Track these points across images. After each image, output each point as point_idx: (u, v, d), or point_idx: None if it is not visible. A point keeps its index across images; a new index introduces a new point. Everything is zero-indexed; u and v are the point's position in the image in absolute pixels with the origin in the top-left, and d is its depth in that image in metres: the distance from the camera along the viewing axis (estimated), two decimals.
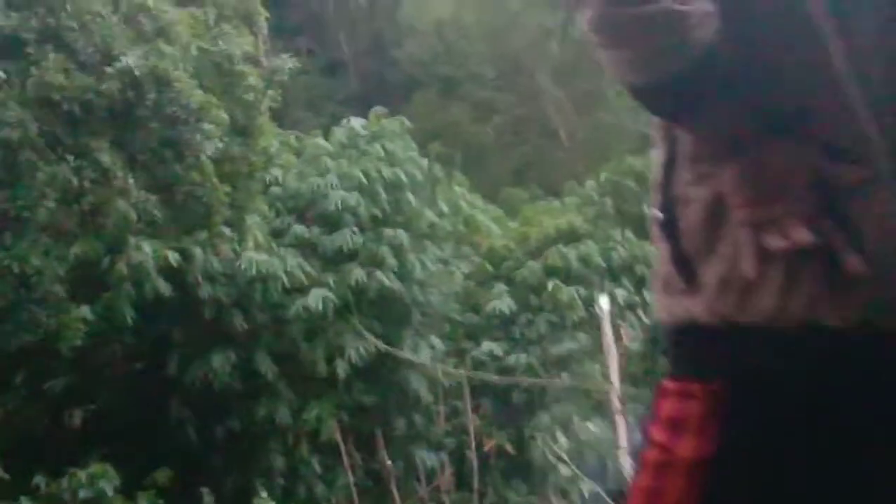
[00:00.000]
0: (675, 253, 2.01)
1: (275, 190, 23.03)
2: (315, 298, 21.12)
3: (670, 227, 2.02)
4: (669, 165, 2.04)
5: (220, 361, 20.40)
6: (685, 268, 1.98)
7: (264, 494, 12.65)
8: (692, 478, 1.95)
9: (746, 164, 1.88)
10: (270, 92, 21.90)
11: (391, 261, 22.43)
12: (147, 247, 18.45)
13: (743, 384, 1.89)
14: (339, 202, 22.22)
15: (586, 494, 25.41)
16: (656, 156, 2.10)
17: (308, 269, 21.49)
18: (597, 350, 26.05)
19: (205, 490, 12.63)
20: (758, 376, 1.88)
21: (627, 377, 25.98)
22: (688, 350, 2.02)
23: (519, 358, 23.67)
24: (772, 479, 1.83)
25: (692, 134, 1.98)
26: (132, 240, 18.21)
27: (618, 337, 26.70)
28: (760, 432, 1.86)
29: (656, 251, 2.09)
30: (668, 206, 2.03)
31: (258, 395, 21.32)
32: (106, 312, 17.96)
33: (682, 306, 2.00)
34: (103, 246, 18.39)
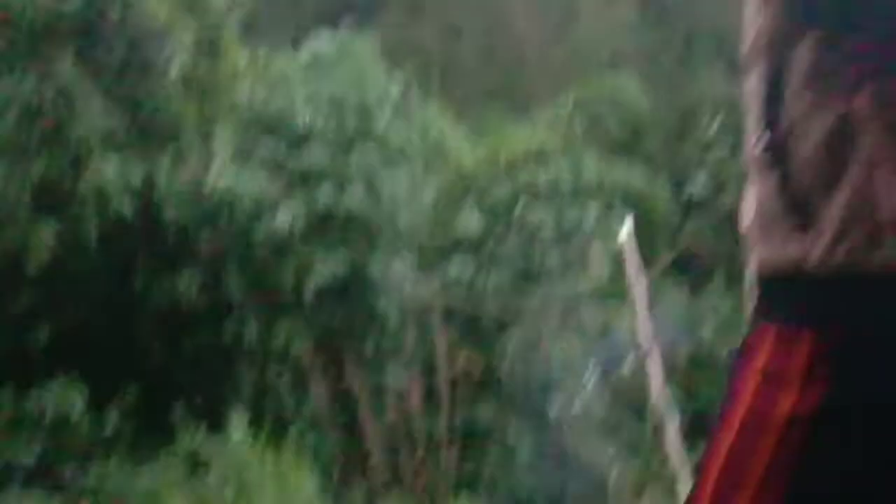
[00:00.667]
0: (784, 189, 1.79)
1: (241, 108, 22.70)
2: (283, 218, 20.94)
3: (779, 159, 1.81)
4: (777, 86, 1.79)
5: (187, 282, 20.25)
6: (798, 206, 1.77)
7: (237, 413, 12.59)
8: (789, 437, 1.77)
9: (890, 84, 1.67)
10: (237, 8, 21.51)
11: (360, 181, 22.24)
12: (111, 166, 18.18)
13: (861, 337, 1.71)
14: (307, 121, 21.95)
15: (554, 414, 25.60)
16: (754, 77, 1.86)
17: (275, 188, 21.28)
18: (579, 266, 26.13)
19: (176, 406, 12.56)
20: (879, 329, 1.70)
21: (595, 295, 26.07)
22: (795, 298, 1.81)
23: (488, 278, 23.60)
24: (881, 441, 1.69)
25: (830, 42, 1.72)
26: (96, 157, 17.93)
27: (587, 258, 26.78)
28: (875, 390, 1.69)
29: (755, 186, 1.88)
30: (775, 133, 1.80)
31: (226, 316, 21.23)
32: (70, 231, 17.74)
33: (791, 250, 1.76)
34: (66, 164, 18.12)
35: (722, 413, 1.80)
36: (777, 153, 1.75)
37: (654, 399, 3.76)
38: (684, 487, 3.67)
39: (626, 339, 18.86)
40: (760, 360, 1.74)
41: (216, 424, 12.94)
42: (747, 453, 1.74)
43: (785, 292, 1.78)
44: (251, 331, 21.15)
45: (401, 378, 23.98)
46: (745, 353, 1.80)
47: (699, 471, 1.80)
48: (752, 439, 1.74)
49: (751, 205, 1.84)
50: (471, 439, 24.87)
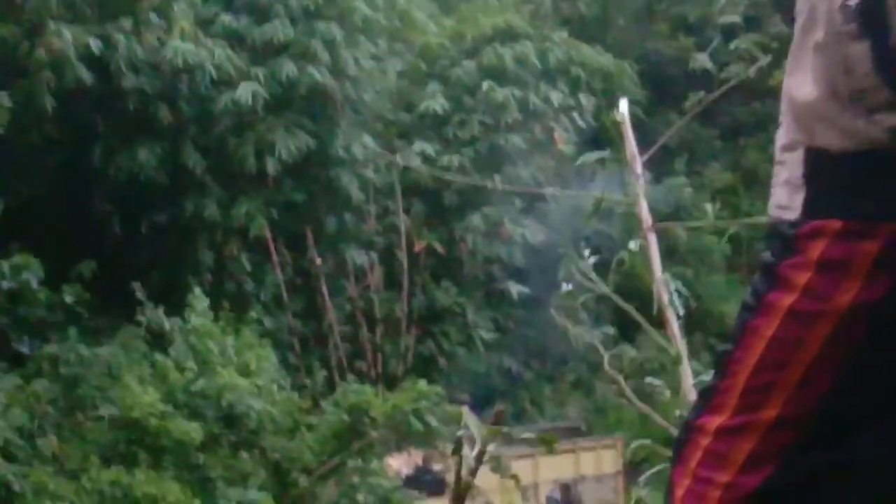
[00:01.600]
0: (880, 54, 1.57)
1: None
2: (244, 92, 20.47)
3: (873, 21, 1.56)
4: None
5: (146, 154, 19.84)
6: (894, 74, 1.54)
7: (197, 290, 12.42)
8: (846, 327, 1.59)
9: None
10: None
11: (323, 55, 21.73)
12: (68, 33, 17.58)
13: None
14: None
15: (516, 295, 25.70)
16: None
17: (237, 61, 20.75)
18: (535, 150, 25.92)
19: (136, 284, 12.36)
20: None
21: (558, 178, 25.94)
22: (870, 182, 1.59)
23: (452, 159, 23.37)
24: None
25: None
26: (52, 25, 17.33)
27: (552, 140, 26.57)
28: None
29: (824, 58, 1.63)
30: None
31: (185, 190, 20.88)
32: (25, 100, 17.24)
33: (879, 125, 1.56)
34: (21, 31, 17.51)
35: (757, 304, 1.64)
36: (871, 15, 1.52)
37: (654, 280, 3.65)
38: (687, 370, 3.55)
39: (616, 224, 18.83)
40: (815, 251, 1.58)
41: (176, 303, 12.78)
42: (793, 343, 1.58)
43: (859, 176, 1.59)
44: (211, 207, 20.86)
45: (361, 258, 23.88)
46: (790, 244, 1.63)
47: (727, 360, 1.64)
48: (800, 328, 1.59)
49: (811, 79, 1.62)
50: (431, 320, 24.96)
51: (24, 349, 15.05)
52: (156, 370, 11.86)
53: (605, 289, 3.59)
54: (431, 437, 12.79)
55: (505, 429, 2.84)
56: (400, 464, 18.37)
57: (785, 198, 1.66)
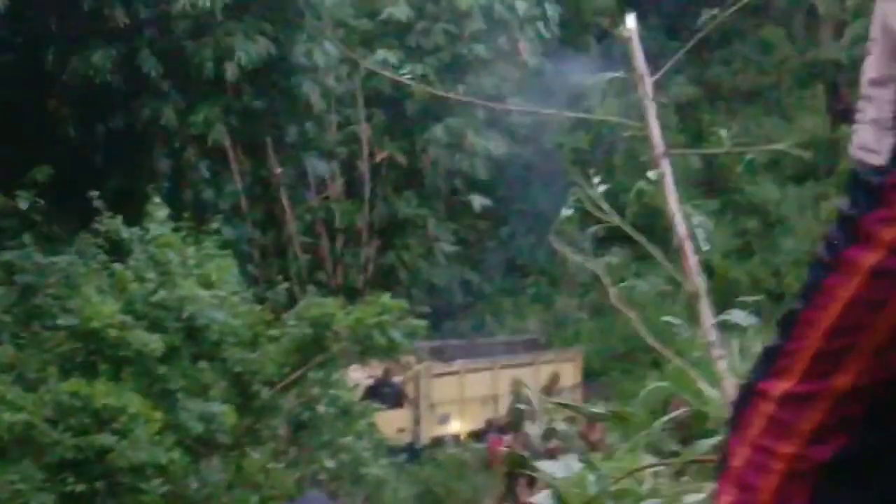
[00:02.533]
0: None
1: None
2: None
3: None
4: None
5: (100, 57, 19.31)
6: None
7: (156, 199, 12.12)
8: None
9: None
10: None
11: None
12: None
13: None
14: None
15: (478, 207, 25.53)
16: None
17: None
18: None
19: (94, 193, 12.03)
20: None
21: (521, 89, 25.65)
22: None
23: (415, 67, 22.94)
24: None
25: None
26: None
27: (516, 51, 26.19)
28: None
29: None
30: None
31: (142, 95, 20.41)
32: None
33: None
34: None
35: (835, 260, 1.48)
36: None
37: (670, 210, 3.48)
38: (706, 307, 3.41)
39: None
40: None
41: (134, 212, 12.48)
42: (874, 305, 1.44)
43: None
44: (168, 113, 20.42)
45: (322, 167, 23.56)
46: (875, 194, 1.46)
47: (796, 320, 1.48)
48: (884, 290, 1.44)
49: None
50: (392, 231, 24.77)
51: None
52: (115, 280, 11.60)
53: (616, 219, 3.41)
54: (395, 351, 12.68)
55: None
56: (360, 375, 18.34)
57: (871, 139, 1.50)
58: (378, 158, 24.30)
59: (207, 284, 11.86)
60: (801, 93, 28.45)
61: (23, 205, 15.50)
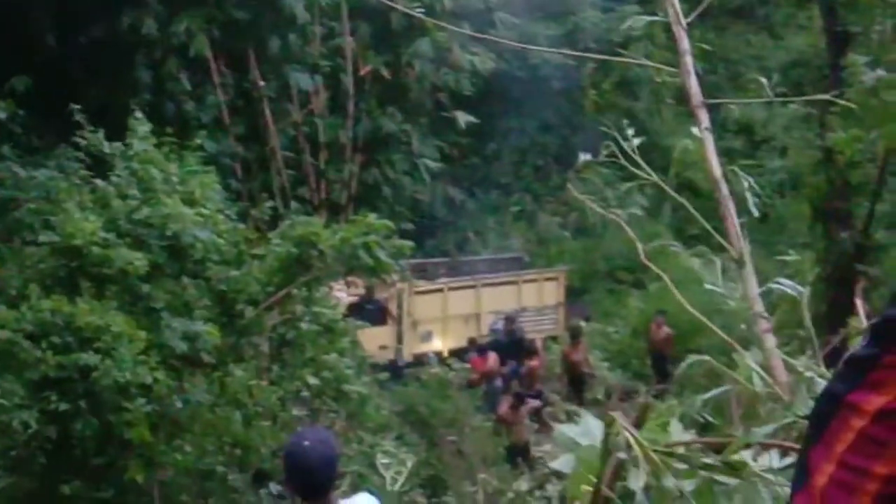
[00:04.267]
0: None
1: None
2: None
3: None
4: None
5: None
6: None
7: (138, 114, 11.84)
8: None
9: None
10: None
11: None
12: None
13: None
14: None
15: (463, 124, 25.28)
16: None
17: None
18: None
19: (75, 107, 11.75)
20: None
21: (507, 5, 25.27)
22: None
23: None
24: None
25: None
26: None
27: None
28: None
29: None
30: None
31: (122, 4, 19.98)
32: None
33: None
34: None
35: None
36: None
37: (712, 172, 3.32)
38: (751, 274, 3.28)
39: None
40: None
41: (115, 126, 12.21)
42: None
43: None
44: (149, 23, 20.01)
45: (305, 81, 23.19)
46: None
47: (890, 330, 1.34)
48: None
49: None
50: (375, 147, 24.49)
51: None
52: (97, 196, 11.39)
53: (652, 176, 3.28)
54: (380, 272, 12.56)
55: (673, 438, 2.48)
56: (343, 292, 18.28)
57: None
58: (362, 72, 23.96)
59: (191, 202, 11.66)
60: (792, 11, 28.12)
61: (1, 115, 15.25)
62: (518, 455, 15.48)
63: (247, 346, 12.37)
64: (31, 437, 9.46)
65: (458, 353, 20.31)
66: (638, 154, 3.33)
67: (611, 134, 3.38)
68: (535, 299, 23.18)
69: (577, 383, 19.30)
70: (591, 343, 20.75)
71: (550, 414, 18.25)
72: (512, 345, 20.13)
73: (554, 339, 22.51)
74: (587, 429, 2.91)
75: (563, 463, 2.96)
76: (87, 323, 9.79)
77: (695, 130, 3.16)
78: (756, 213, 3.14)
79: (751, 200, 3.16)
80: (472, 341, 20.60)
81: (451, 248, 24.98)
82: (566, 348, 19.90)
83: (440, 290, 21.90)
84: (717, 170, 3.11)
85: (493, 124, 26.69)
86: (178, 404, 10.58)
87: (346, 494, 4.58)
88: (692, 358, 3.68)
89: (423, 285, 21.40)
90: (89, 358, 9.59)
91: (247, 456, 11.86)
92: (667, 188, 3.29)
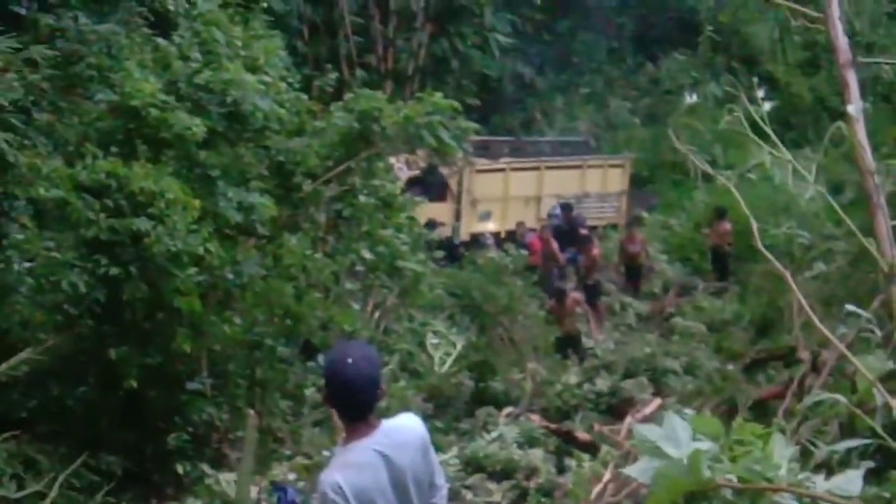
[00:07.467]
0: None
1: None
2: None
3: None
4: None
5: None
6: None
7: None
8: None
9: None
10: None
11: None
12: None
13: None
14: None
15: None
16: None
17: None
18: None
19: None
20: None
21: None
22: None
23: None
24: None
25: None
26: None
27: None
28: None
29: None
30: None
31: None
32: None
33: None
34: None
35: None
36: None
37: (864, 163, 2.94)
38: None
39: None
40: None
41: None
42: None
43: None
44: None
45: None
46: None
47: None
48: None
49: None
50: (447, 17, 23.80)
51: (21, 10, 14.10)
52: (158, 56, 11.08)
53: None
54: (442, 152, 12.22)
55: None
56: (404, 167, 17.98)
57: None
58: None
59: (254, 68, 11.33)
60: None
61: None
62: (568, 346, 15.30)
63: (303, 219, 12.18)
64: (80, 298, 9.35)
65: (511, 236, 20.07)
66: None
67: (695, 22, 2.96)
68: (599, 185, 22.72)
69: (633, 274, 18.99)
70: (652, 235, 20.35)
71: (605, 304, 18.01)
72: (570, 232, 19.79)
73: (615, 227, 22.13)
74: (671, 431, 2.59)
75: (640, 471, 2.65)
76: (141, 187, 9.57)
77: (849, 108, 2.71)
78: None
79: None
80: (520, 224, 20.25)
81: (516, 126, 24.47)
82: (623, 238, 19.53)
83: (502, 170, 21.50)
84: (869, 162, 2.66)
85: (568, 1, 25.87)
86: (230, 276, 10.43)
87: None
88: (817, 395, 3.33)
89: (486, 164, 21.01)
90: (142, 223, 9.40)
91: (296, 327, 11.74)
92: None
